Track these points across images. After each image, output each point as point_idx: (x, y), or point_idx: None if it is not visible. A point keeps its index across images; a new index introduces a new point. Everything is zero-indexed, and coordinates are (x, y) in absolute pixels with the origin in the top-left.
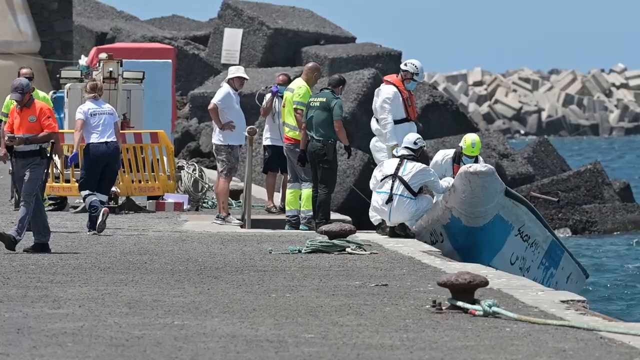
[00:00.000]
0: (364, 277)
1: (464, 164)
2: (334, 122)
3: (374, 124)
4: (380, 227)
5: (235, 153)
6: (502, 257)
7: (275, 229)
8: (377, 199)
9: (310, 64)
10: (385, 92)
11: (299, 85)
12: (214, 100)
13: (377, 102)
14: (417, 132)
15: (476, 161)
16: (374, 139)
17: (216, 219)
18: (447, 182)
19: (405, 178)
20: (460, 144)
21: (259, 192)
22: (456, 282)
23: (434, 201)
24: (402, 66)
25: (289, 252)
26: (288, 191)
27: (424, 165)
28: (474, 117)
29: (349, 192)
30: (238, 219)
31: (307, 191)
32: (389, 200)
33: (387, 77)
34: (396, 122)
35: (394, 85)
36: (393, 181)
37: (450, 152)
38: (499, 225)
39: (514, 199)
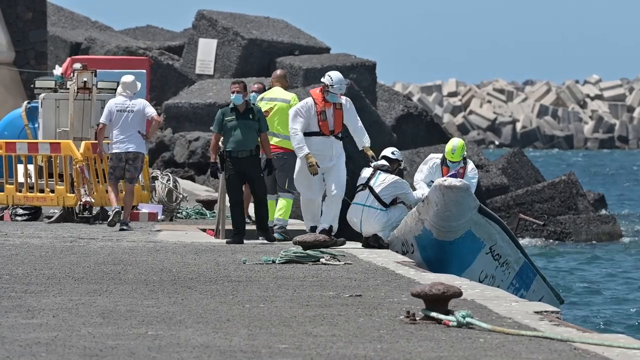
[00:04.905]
0: (338, 287)
1: (450, 169)
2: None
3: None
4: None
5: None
6: (471, 273)
7: (250, 239)
8: (350, 210)
9: (279, 72)
10: (300, 103)
11: (291, 96)
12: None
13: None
14: (392, 145)
15: (465, 164)
16: None
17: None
18: (420, 194)
19: (377, 189)
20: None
21: None
22: (430, 293)
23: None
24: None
25: (263, 262)
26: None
27: (397, 178)
28: (448, 128)
29: None
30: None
31: (285, 201)
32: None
33: (311, 89)
34: (307, 134)
35: (312, 96)
36: (363, 191)
37: (438, 156)
38: (469, 242)
39: (487, 216)
